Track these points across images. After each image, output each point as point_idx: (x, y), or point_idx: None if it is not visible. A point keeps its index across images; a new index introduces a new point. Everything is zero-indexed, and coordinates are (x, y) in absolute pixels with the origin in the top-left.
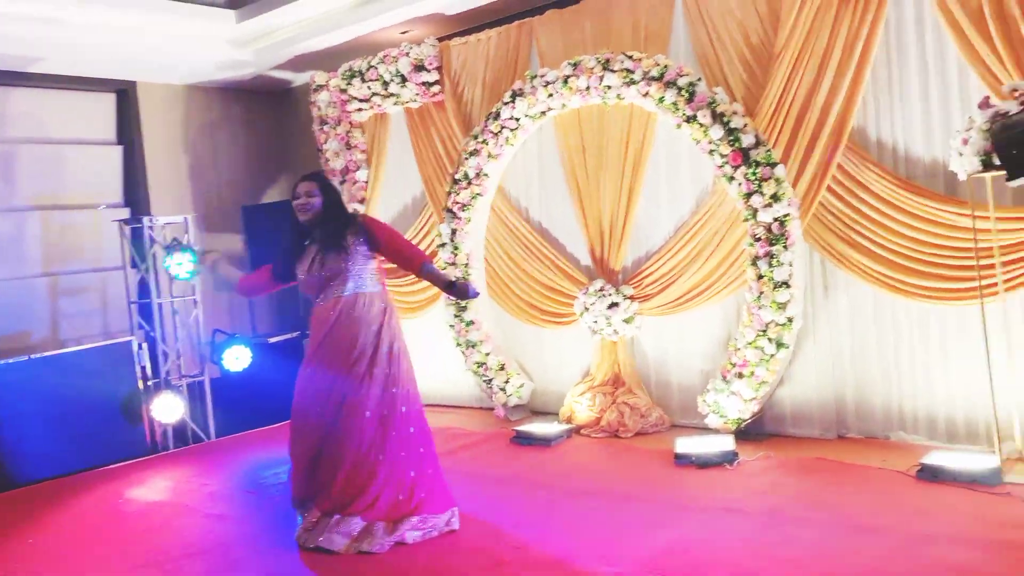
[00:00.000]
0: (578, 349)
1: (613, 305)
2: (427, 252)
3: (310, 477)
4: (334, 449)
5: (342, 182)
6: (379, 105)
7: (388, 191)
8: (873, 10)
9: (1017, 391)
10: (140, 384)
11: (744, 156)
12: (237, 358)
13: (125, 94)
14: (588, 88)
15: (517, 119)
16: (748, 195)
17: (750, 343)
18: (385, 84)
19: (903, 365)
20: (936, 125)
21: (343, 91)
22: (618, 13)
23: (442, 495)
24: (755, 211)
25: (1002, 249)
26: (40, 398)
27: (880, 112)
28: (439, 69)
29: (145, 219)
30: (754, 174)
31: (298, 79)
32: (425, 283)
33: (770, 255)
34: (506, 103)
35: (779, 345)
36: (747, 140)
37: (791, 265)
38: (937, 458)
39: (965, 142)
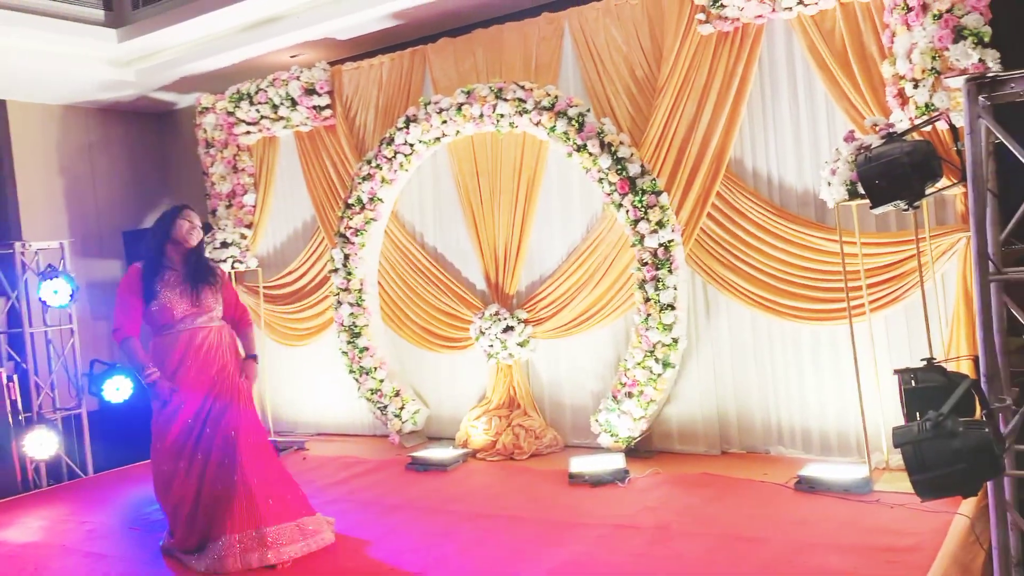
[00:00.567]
0: (473, 373)
1: (508, 329)
2: (320, 277)
3: (207, 513)
4: (223, 474)
5: (228, 206)
6: (268, 128)
7: (277, 215)
8: (748, 49)
9: (883, 405)
10: (10, 419)
11: (631, 184)
12: (118, 389)
13: None
14: (482, 116)
15: (411, 145)
16: (635, 221)
17: (639, 363)
18: (275, 107)
19: (780, 382)
20: (807, 156)
21: (230, 114)
22: (510, 44)
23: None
24: (642, 237)
25: (868, 272)
26: None
27: (756, 144)
28: (330, 93)
29: (17, 245)
30: (640, 201)
31: (183, 101)
32: (316, 311)
33: (656, 279)
34: (400, 128)
35: (666, 365)
36: (633, 169)
37: (676, 288)
38: (813, 470)
39: (833, 172)
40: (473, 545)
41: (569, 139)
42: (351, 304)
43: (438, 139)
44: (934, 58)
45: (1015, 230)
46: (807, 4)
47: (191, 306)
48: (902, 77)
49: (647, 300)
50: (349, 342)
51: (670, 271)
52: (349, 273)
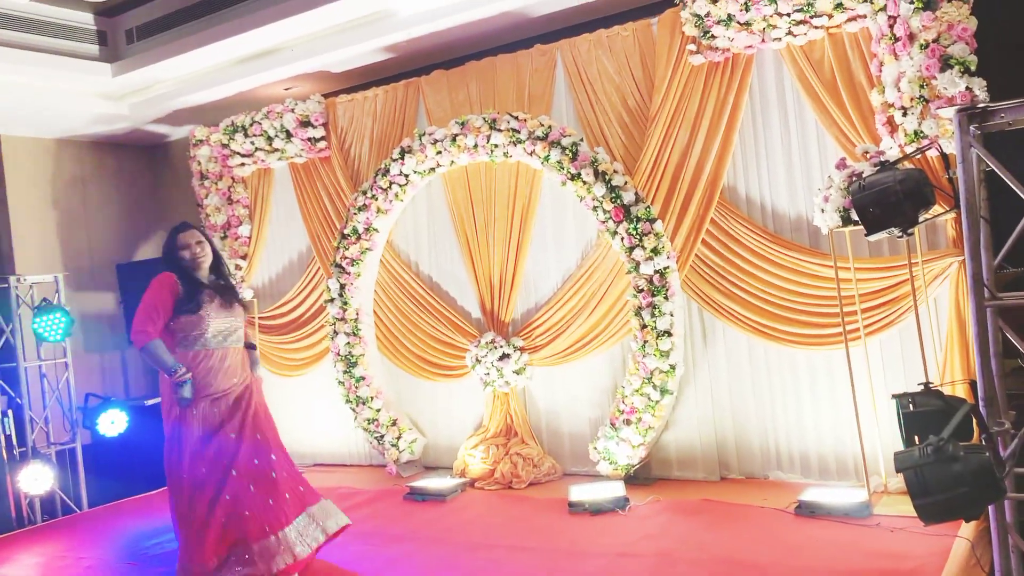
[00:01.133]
0: (470, 402)
1: (504, 356)
2: (315, 307)
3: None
4: (240, 492)
5: (223, 237)
6: (263, 160)
7: (272, 246)
8: (739, 78)
9: (880, 429)
10: (3, 454)
11: (626, 212)
12: (112, 422)
13: None
14: (476, 146)
15: (406, 175)
16: (630, 249)
17: (636, 390)
18: (269, 139)
19: (777, 407)
20: (799, 183)
21: (225, 146)
22: (503, 75)
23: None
24: (637, 264)
25: (862, 297)
26: None
27: (748, 171)
28: (325, 125)
29: (12, 279)
30: (635, 229)
31: (176, 133)
32: (312, 341)
33: (652, 305)
34: (395, 159)
35: (663, 392)
36: (628, 197)
37: (672, 315)
38: (812, 494)
39: (826, 199)
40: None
41: (563, 168)
42: (347, 334)
43: (433, 169)
44: (922, 86)
45: (1007, 255)
46: (796, 35)
47: (222, 324)
48: (891, 105)
49: (643, 327)
50: (345, 372)
51: (666, 298)
52: (345, 303)
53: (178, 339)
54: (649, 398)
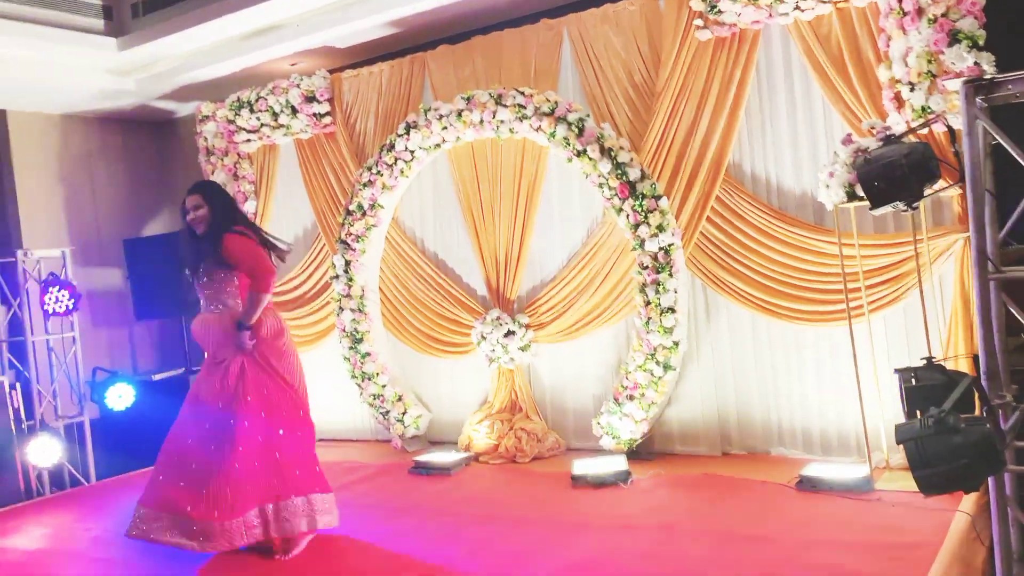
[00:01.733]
0: (475, 378)
1: (509, 333)
2: (321, 283)
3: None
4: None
5: None
6: (268, 136)
7: (278, 222)
8: (745, 54)
9: (883, 405)
10: (12, 427)
11: (631, 189)
12: (120, 396)
13: None
14: (481, 122)
15: (412, 151)
16: (636, 226)
17: (640, 366)
18: (275, 115)
19: (780, 383)
20: (804, 159)
21: (231, 122)
22: (509, 50)
23: None
24: (642, 241)
25: (866, 273)
26: None
27: (754, 147)
28: (330, 100)
29: (19, 253)
30: (641, 206)
31: (182, 109)
32: (317, 317)
33: (657, 282)
34: (400, 135)
35: (667, 368)
36: (633, 174)
37: (676, 292)
38: (814, 470)
39: (831, 175)
40: (480, 548)
41: (569, 144)
42: (352, 310)
43: (438, 145)
44: (930, 61)
45: (1013, 230)
46: (803, 9)
47: (205, 287)
48: (898, 80)
49: (648, 304)
50: (351, 348)
51: (670, 275)
52: (350, 279)
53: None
54: (652, 374)
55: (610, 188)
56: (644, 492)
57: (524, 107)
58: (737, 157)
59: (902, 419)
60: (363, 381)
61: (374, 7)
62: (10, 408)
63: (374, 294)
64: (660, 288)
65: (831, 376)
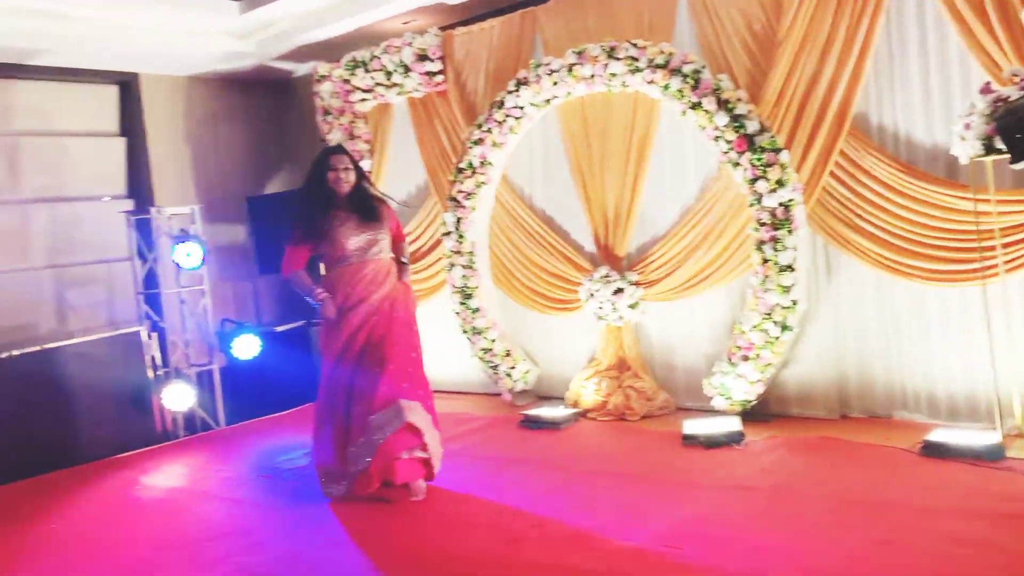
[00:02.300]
0: (583, 335)
1: (618, 291)
2: (433, 240)
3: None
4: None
5: None
6: (382, 95)
7: (392, 181)
8: None
9: (1017, 369)
10: (150, 374)
11: (749, 142)
12: (246, 347)
13: (128, 86)
14: (593, 76)
15: (522, 107)
16: (753, 180)
17: (755, 326)
18: (388, 74)
19: (904, 345)
20: (937, 110)
21: (346, 81)
22: (621, 2)
23: None
24: (760, 196)
25: (1003, 231)
26: (52, 389)
27: (882, 98)
28: (442, 59)
29: (152, 210)
30: (759, 160)
31: (300, 69)
32: (430, 273)
33: (775, 239)
34: (511, 92)
35: (784, 328)
36: (752, 126)
37: (795, 249)
38: (940, 435)
39: (967, 127)
40: (587, 502)
41: (683, 97)
42: (463, 266)
43: (548, 101)
44: None
45: None
46: None
47: (359, 241)
48: None
49: (765, 261)
50: (461, 303)
51: (789, 231)
52: (461, 236)
53: (327, 260)
54: (768, 334)
55: (727, 141)
56: (758, 454)
57: (637, 60)
58: (863, 108)
59: None
60: (473, 335)
61: None
62: (147, 356)
63: (484, 251)
64: (778, 245)
65: (959, 338)
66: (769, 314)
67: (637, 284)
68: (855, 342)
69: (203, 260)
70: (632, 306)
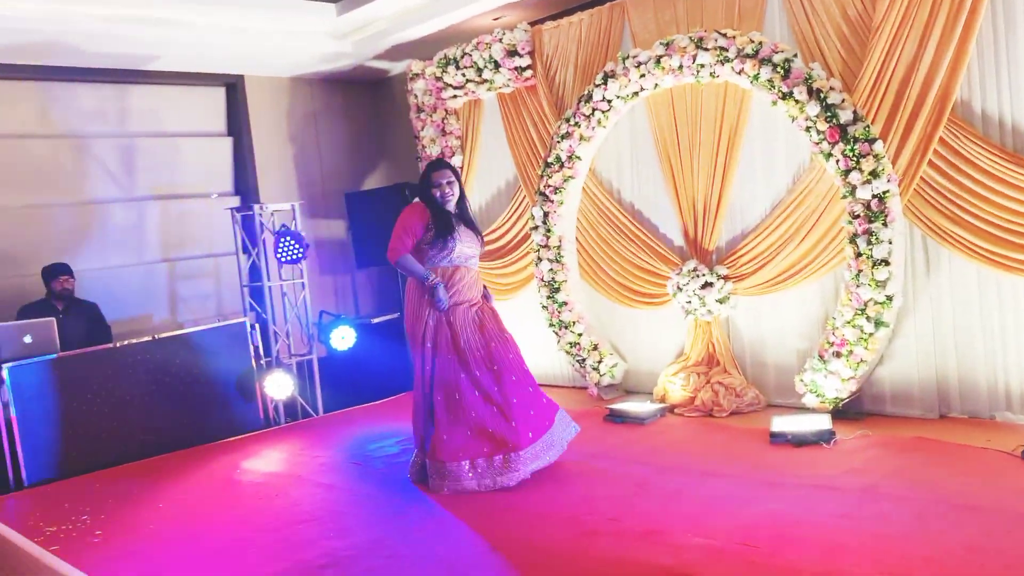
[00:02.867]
0: (671, 329)
1: (707, 285)
2: (521, 234)
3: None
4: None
5: None
6: (473, 92)
7: (482, 176)
8: None
9: None
10: (254, 363)
11: (842, 132)
12: (343, 338)
13: (234, 87)
14: (681, 67)
15: (609, 101)
16: (846, 172)
17: (848, 322)
18: (479, 71)
19: (1009, 344)
20: None
21: (438, 79)
22: None
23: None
24: (853, 188)
25: None
26: (163, 376)
27: (985, 84)
28: (531, 54)
29: (255, 207)
30: (852, 150)
31: (395, 68)
32: (518, 267)
33: (869, 232)
34: (598, 85)
35: (878, 324)
36: (845, 116)
37: (891, 242)
38: None
39: None
40: (667, 497)
41: (774, 87)
42: (550, 260)
43: (636, 93)
44: None
45: None
46: None
47: (466, 248)
48: None
49: (858, 255)
50: (549, 297)
51: (885, 224)
52: (548, 230)
53: (427, 257)
54: (862, 330)
55: (818, 132)
56: (848, 453)
57: (726, 49)
58: (965, 95)
59: None
60: (560, 329)
61: None
62: (251, 346)
63: (571, 244)
64: (873, 238)
65: None
66: (863, 309)
67: (726, 278)
68: (956, 339)
69: (303, 254)
70: (721, 300)
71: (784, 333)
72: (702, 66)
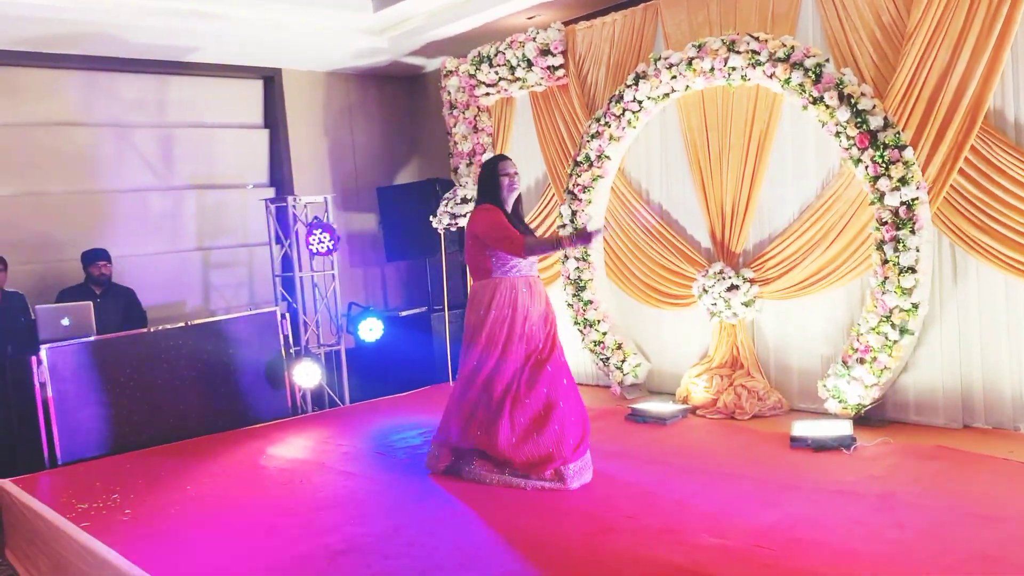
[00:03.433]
0: (696, 331)
1: (733, 288)
2: (549, 232)
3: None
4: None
5: (469, 164)
6: (505, 90)
7: None
8: None
9: None
10: (283, 351)
11: (872, 138)
12: (371, 329)
13: (271, 81)
14: (712, 70)
15: (640, 101)
16: (875, 178)
17: (873, 328)
18: (512, 69)
19: None
20: None
21: (472, 76)
22: None
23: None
24: (882, 194)
25: None
26: (194, 362)
27: (1019, 92)
28: (564, 53)
29: (289, 198)
30: (881, 157)
31: (430, 65)
32: (545, 264)
33: (896, 239)
34: (629, 86)
35: (903, 331)
36: (875, 122)
37: (918, 250)
38: None
39: None
40: (685, 498)
41: (805, 91)
42: (577, 259)
43: (667, 95)
44: None
45: None
46: None
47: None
48: None
49: (885, 262)
50: (574, 295)
51: (912, 231)
52: (576, 228)
53: (497, 265)
54: (887, 337)
55: (848, 137)
56: (868, 459)
57: (758, 53)
58: (999, 103)
59: None
60: (585, 328)
61: None
62: (281, 335)
63: (598, 244)
64: (900, 245)
65: None
66: (888, 316)
67: (752, 282)
68: (981, 349)
69: (334, 246)
70: (747, 304)
71: (809, 338)
72: (733, 69)
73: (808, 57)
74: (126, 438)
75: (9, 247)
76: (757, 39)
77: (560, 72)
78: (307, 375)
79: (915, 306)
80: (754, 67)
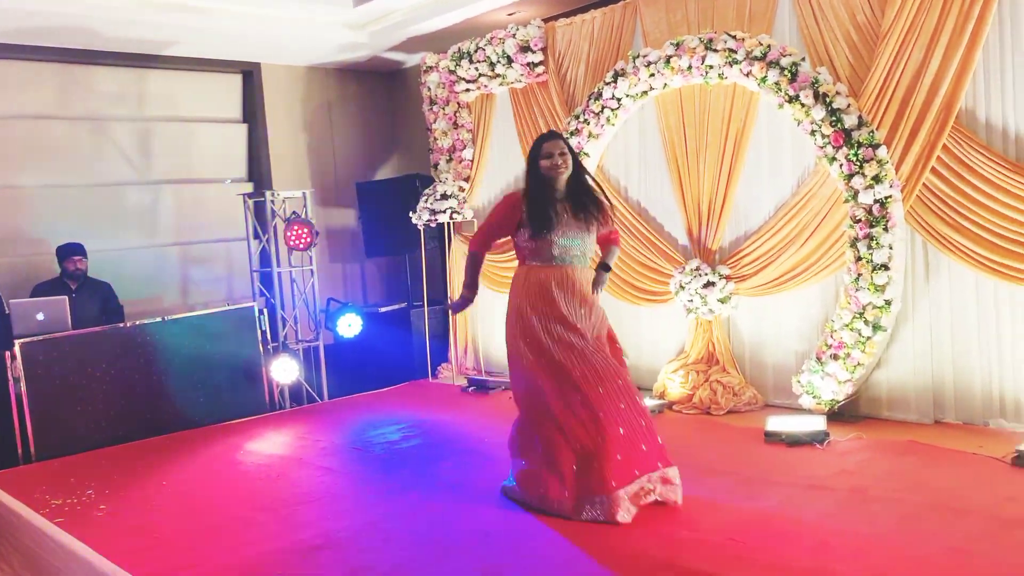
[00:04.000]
0: (673, 327)
1: (709, 284)
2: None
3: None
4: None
5: (449, 160)
6: (485, 86)
7: (492, 169)
8: None
9: None
10: (260, 347)
11: (846, 136)
12: (350, 325)
13: (250, 75)
14: (690, 68)
15: (618, 99)
16: (849, 176)
17: (846, 325)
18: (492, 65)
19: (1005, 352)
20: None
21: (452, 72)
22: None
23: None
24: (856, 192)
25: None
26: (172, 357)
27: (990, 93)
28: (544, 50)
29: (268, 193)
30: (856, 155)
31: (410, 60)
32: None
33: (870, 237)
34: (608, 83)
35: (876, 328)
36: (850, 121)
37: (891, 247)
38: None
39: None
40: None
41: (780, 90)
42: None
43: (645, 93)
44: None
45: None
46: None
47: (567, 241)
48: None
49: (858, 259)
50: None
51: (886, 229)
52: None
53: (525, 254)
54: (860, 334)
55: (823, 136)
56: (840, 454)
57: (735, 51)
58: (970, 103)
59: None
60: None
61: None
62: (259, 330)
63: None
64: (873, 243)
65: None
66: (861, 313)
67: (728, 278)
68: (953, 346)
69: (312, 242)
70: (722, 300)
71: (784, 334)
72: (711, 67)
73: (784, 56)
74: (101, 434)
75: None
76: (734, 38)
77: (540, 69)
78: (285, 371)
79: (888, 303)
80: (731, 65)
